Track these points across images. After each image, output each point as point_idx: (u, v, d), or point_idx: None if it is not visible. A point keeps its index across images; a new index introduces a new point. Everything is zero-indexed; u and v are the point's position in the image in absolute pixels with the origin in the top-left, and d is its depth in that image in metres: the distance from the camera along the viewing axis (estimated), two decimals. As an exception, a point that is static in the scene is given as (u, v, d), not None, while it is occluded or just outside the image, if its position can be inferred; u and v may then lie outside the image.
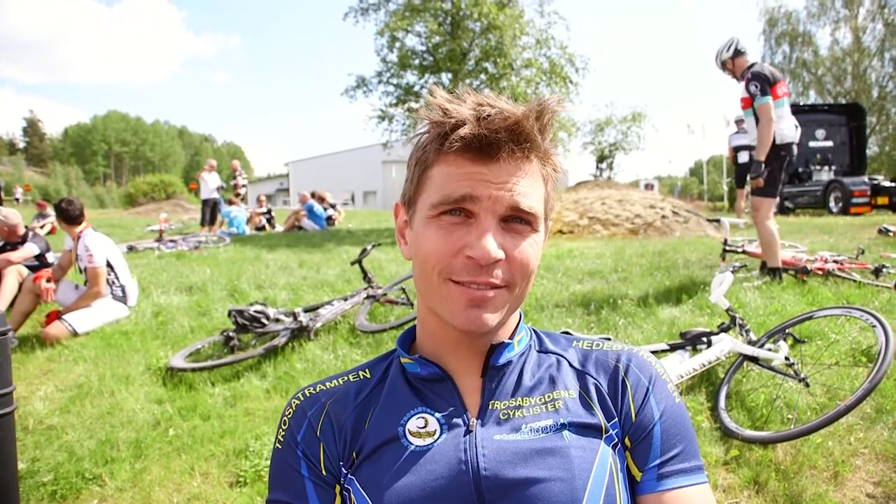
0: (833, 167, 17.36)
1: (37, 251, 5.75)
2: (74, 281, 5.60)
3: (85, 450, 3.25)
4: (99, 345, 4.71)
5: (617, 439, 0.93)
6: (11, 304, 5.34)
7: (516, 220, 0.89)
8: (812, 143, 17.78)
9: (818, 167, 17.33)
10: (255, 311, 4.56)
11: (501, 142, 0.86)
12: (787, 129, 5.20)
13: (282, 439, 0.99)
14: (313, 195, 16.35)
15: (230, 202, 15.67)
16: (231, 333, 4.49)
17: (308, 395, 1.03)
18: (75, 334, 4.92)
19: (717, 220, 6.15)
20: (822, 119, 18.40)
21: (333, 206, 17.45)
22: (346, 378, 1.06)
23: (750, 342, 3.28)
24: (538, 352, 1.04)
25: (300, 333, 4.55)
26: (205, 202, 15.26)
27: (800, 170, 16.82)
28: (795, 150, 5.23)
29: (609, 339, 3.49)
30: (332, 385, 1.04)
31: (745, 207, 9.77)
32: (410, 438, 0.92)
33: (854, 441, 2.63)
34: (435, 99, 0.90)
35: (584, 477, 0.85)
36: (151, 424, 3.52)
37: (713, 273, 5.24)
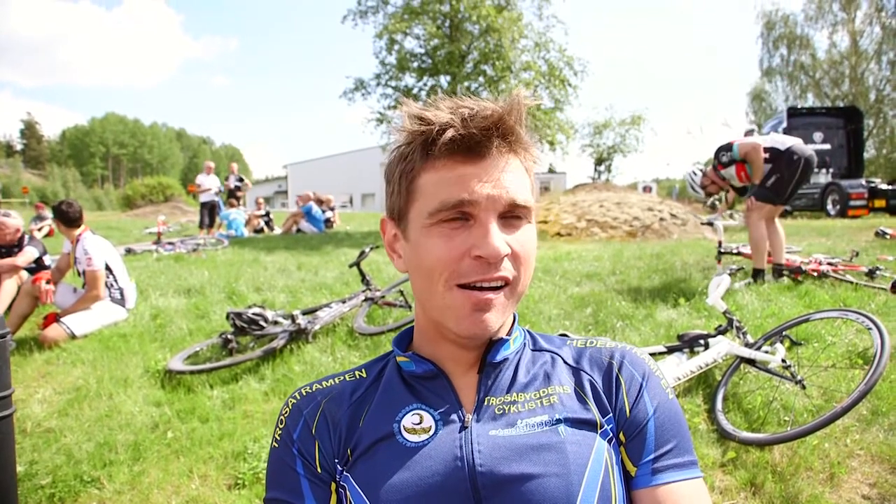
0: (831, 170, 17.42)
1: (37, 254, 5.76)
2: (72, 284, 5.60)
3: (83, 452, 3.24)
4: (97, 347, 4.71)
5: (612, 434, 0.94)
6: (9, 307, 5.34)
7: (513, 215, 0.91)
8: (810, 146, 17.81)
9: (816, 170, 17.37)
10: (254, 314, 4.56)
11: (491, 140, 0.88)
12: (780, 137, 5.41)
13: (278, 438, 1.00)
14: (313, 195, 16.33)
15: (230, 205, 15.66)
16: (229, 336, 4.49)
17: (304, 394, 1.04)
18: (73, 337, 4.92)
19: (711, 223, 6.18)
20: (819, 122, 18.47)
21: (332, 209, 17.46)
22: (342, 377, 1.07)
23: (747, 344, 3.30)
24: (532, 350, 1.05)
25: (298, 336, 4.55)
26: (203, 205, 15.25)
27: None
28: (814, 163, 5.32)
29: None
30: (328, 384, 1.05)
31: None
32: (405, 435, 0.93)
33: (850, 443, 2.64)
34: (409, 109, 0.92)
35: (579, 472, 0.86)
36: (150, 427, 3.52)
37: (710, 276, 5.25)
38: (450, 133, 0.87)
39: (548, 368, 1.01)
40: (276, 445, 1.00)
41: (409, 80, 15.51)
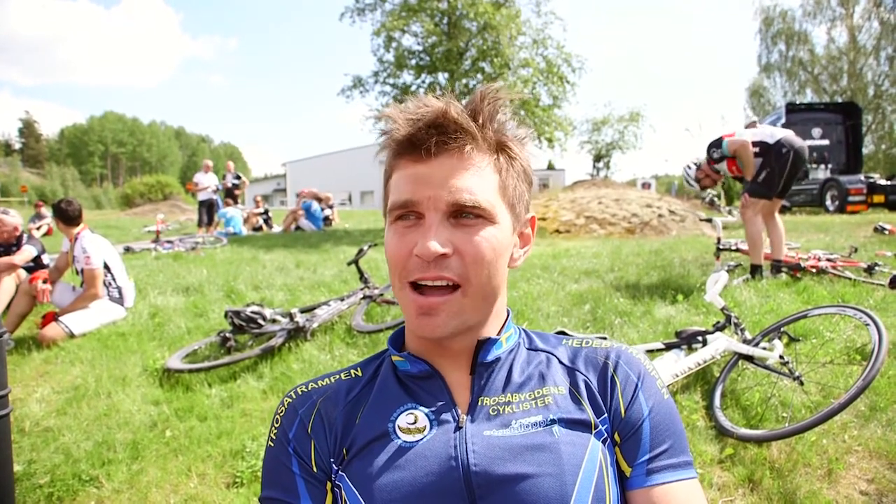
0: (829, 166, 17.43)
1: (35, 253, 5.75)
2: (71, 282, 5.59)
3: (81, 451, 3.24)
4: (95, 346, 4.70)
5: (606, 435, 0.94)
6: (8, 306, 5.33)
7: (465, 214, 0.90)
8: (809, 142, 17.76)
9: (815, 166, 17.38)
10: (252, 312, 4.56)
11: (430, 136, 0.88)
12: (769, 129, 5.39)
13: (274, 437, 1.00)
14: (314, 194, 16.32)
15: (226, 203, 15.65)
16: (228, 334, 4.49)
17: (300, 393, 1.04)
18: (72, 336, 4.91)
19: (710, 220, 6.18)
20: (818, 118, 18.47)
21: (331, 207, 17.46)
22: (337, 377, 1.07)
23: (745, 341, 3.30)
24: (528, 349, 1.05)
25: (297, 334, 4.55)
26: (201, 203, 15.24)
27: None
28: (805, 154, 5.31)
29: (605, 338, 3.48)
30: (324, 383, 1.05)
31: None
32: (400, 434, 0.93)
33: (848, 439, 2.65)
34: (382, 111, 0.94)
35: (573, 472, 0.86)
36: (148, 426, 3.52)
37: (709, 272, 5.25)
38: (397, 134, 0.90)
39: (543, 369, 1.01)
40: (272, 444, 1.00)
41: (407, 77, 15.51)
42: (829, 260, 5.31)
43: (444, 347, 0.98)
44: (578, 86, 16.03)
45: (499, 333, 1.01)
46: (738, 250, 6.12)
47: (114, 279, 5.39)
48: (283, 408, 1.02)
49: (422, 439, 0.92)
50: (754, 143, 5.26)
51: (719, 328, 3.44)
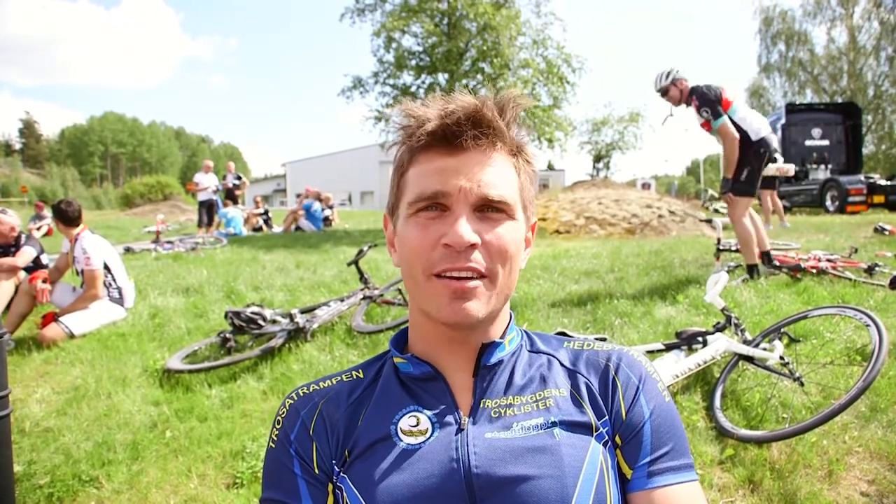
0: (829, 166, 17.44)
1: (34, 254, 5.74)
2: (71, 283, 5.59)
3: (81, 452, 3.24)
4: (96, 347, 4.70)
5: (607, 437, 0.94)
6: (8, 307, 5.33)
7: (489, 209, 0.91)
8: (808, 142, 17.86)
9: (815, 166, 17.40)
10: (252, 313, 4.56)
11: (464, 131, 0.89)
12: (756, 123, 5.27)
13: (275, 438, 1.00)
14: (315, 194, 16.32)
15: (226, 204, 15.65)
16: (228, 335, 4.49)
17: (301, 394, 1.04)
18: (72, 336, 4.91)
19: (710, 220, 6.17)
20: (818, 118, 18.48)
21: (331, 207, 17.47)
22: (339, 378, 1.07)
23: (745, 342, 3.29)
24: (529, 351, 1.05)
25: (297, 335, 4.55)
26: (201, 203, 15.23)
27: (796, 168, 16.88)
28: (774, 141, 5.29)
29: (605, 340, 3.46)
30: (326, 385, 1.05)
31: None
32: (402, 437, 0.93)
33: (848, 440, 2.65)
34: (401, 106, 0.94)
35: (574, 474, 0.86)
36: (148, 426, 3.52)
37: (709, 272, 5.25)
38: (428, 126, 0.90)
39: (544, 371, 1.01)
40: (273, 446, 1.00)
41: (406, 78, 15.53)
42: (829, 260, 5.30)
43: (449, 349, 0.99)
44: (578, 86, 16.06)
45: (502, 336, 1.01)
46: (738, 251, 6.11)
47: (114, 280, 5.39)
48: (284, 409, 1.02)
49: (424, 441, 0.92)
50: (738, 130, 5.21)
51: (719, 329, 3.43)
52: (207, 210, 15.14)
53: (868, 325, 2.83)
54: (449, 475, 0.87)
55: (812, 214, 15.26)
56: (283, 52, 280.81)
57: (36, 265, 5.78)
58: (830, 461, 2.52)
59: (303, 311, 4.88)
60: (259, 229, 16.51)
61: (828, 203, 15.32)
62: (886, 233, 7.91)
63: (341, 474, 0.94)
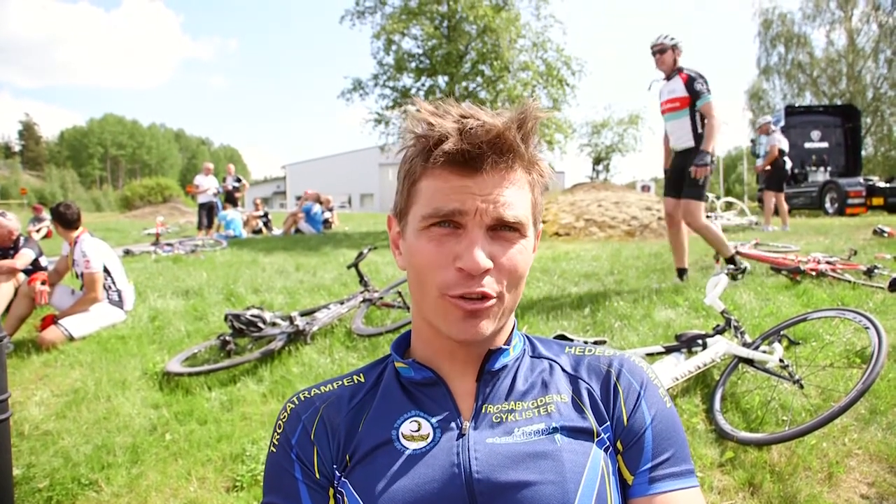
0: (829, 168, 17.45)
1: (33, 256, 5.74)
2: (70, 285, 5.59)
3: (81, 455, 3.24)
4: (95, 349, 4.70)
5: (609, 443, 0.95)
6: (7, 309, 5.33)
7: (503, 228, 0.91)
8: (808, 145, 17.89)
9: (814, 168, 17.41)
10: (252, 315, 4.56)
11: (485, 155, 0.87)
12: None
13: (276, 443, 1.00)
14: (315, 196, 16.32)
15: (226, 206, 15.65)
16: (228, 338, 4.48)
17: (303, 398, 1.04)
18: (71, 339, 4.91)
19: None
20: (817, 120, 18.50)
21: (331, 209, 17.46)
22: (340, 382, 1.06)
23: (745, 344, 3.29)
24: (531, 357, 1.05)
25: (297, 337, 4.55)
26: (201, 206, 15.24)
27: (796, 171, 16.88)
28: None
29: (605, 342, 3.46)
30: (327, 389, 1.05)
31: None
32: (403, 442, 0.93)
33: (848, 442, 2.64)
34: (419, 113, 0.91)
35: (575, 480, 0.86)
36: (148, 429, 3.52)
37: (708, 275, 5.25)
38: (446, 145, 0.88)
39: (546, 376, 1.01)
40: (274, 450, 0.99)
41: (406, 80, 15.52)
42: (828, 263, 5.30)
43: (453, 355, 0.99)
44: (578, 88, 16.11)
45: (506, 342, 1.02)
46: (737, 253, 6.11)
47: (113, 282, 5.39)
48: (285, 413, 1.02)
49: (425, 447, 0.92)
50: (698, 133, 5.17)
51: (719, 331, 3.43)
52: (207, 212, 15.14)
53: (867, 328, 2.83)
54: (450, 480, 0.87)
55: (811, 216, 15.26)
56: (283, 53, 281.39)
57: (35, 267, 5.78)
58: (830, 463, 2.52)
59: (303, 314, 4.88)
60: (259, 231, 16.51)
61: (827, 205, 15.31)
62: (885, 235, 7.91)
63: (342, 479, 0.94)
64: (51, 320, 5.06)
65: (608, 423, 0.96)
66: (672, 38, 5.33)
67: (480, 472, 0.87)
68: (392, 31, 14.71)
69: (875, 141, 33.38)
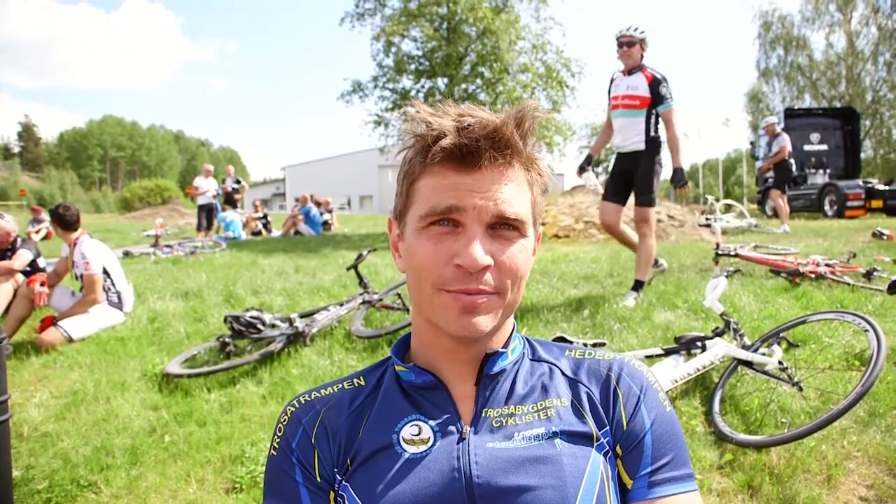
0: (828, 170, 17.49)
1: (30, 257, 5.74)
2: (70, 287, 5.59)
3: (80, 457, 3.24)
4: (94, 351, 4.70)
5: (608, 447, 0.95)
6: (6, 311, 5.33)
7: (503, 226, 0.91)
8: (807, 147, 17.93)
9: (813, 171, 17.43)
10: (252, 317, 4.56)
11: (482, 150, 0.88)
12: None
13: (277, 446, 1.00)
14: (311, 199, 16.35)
15: (225, 208, 15.65)
16: (227, 339, 4.48)
17: (303, 402, 1.04)
18: (70, 340, 4.91)
19: (709, 225, 6.16)
20: (816, 123, 18.54)
21: (330, 211, 17.47)
22: (340, 385, 1.06)
23: (744, 346, 3.30)
24: (531, 360, 1.05)
25: (296, 339, 4.54)
26: (200, 207, 15.24)
27: (795, 173, 16.90)
28: None
29: (604, 344, 3.45)
30: (327, 392, 1.05)
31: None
32: (404, 446, 0.93)
33: (847, 444, 2.65)
34: (417, 113, 0.92)
35: (575, 484, 0.87)
36: (147, 431, 3.52)
37: (708, 277, 5.26)
38: (444, 141, 0.88)
39: (546, 380, 1.01)
40: (275, 454, 1.00)
41: (406, 82, 15.54)
42: (827, 265, 5.31)
43: (451, 359, 0.99)
44: (578, 90, 16.10)
45: (505, 345, 1.02)
46: (737, 255, 6.12)
47: (113, 284, 5.39)
48: (285, 417, 1.02)
49: (426, 450, 0.92)
50: (656, 138, 4.97)
51: (718, 334, 3.44)
52: (207, 214, 15.14)
53: (866, 330, 2.84)
54: (450, 484, 0.87)
55: (810, 219, 15.25)
56: (283, 55, 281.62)
57: (32, 268, 5.78)
58: (829, 466, 2.53)
59: (302, 316, 4.88)
60: (258, 233, 16.51)
61: (826, 208, 15.33)
62: (885, 237, 7.93)
63: (343, 482, 0.94)
64: (50, 322, 5.05)
65: (608, 427, 0.96)
66: (642, 32, 5.03)
67: (481, 476, 0.87)
68: (392, 34, 14.73)
69: (874, 143, 33.42)
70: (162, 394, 3.99)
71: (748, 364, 3.19)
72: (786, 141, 11.51)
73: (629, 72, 5.07)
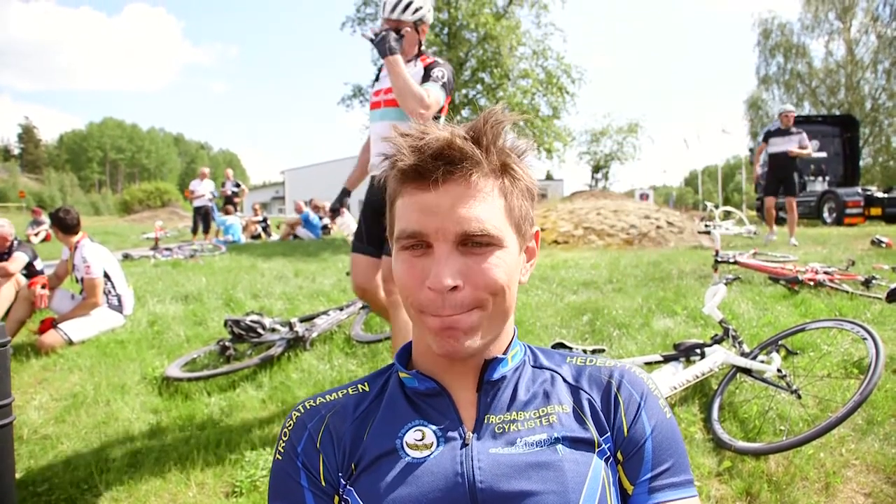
0: (827, 178, 17.50)
1: (27, 259, 5.74)
2: (70, 289, 5.59)
3: (80, 459, 3.24)
4: (94, 354, 4.70)
5: (609, 453, 0.96)
6: (6, 313, 5.33)
7: (474, 243, 0.90)
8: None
9: (812, 178, 17.45)
10: (251, 321, 4.56)
11: (437, 167, 0.88)
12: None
13: (282, 450, 1.01)
14: (308, 203, 16.36)
15: (225, 211, 15.66)
16: (227, 343, 4.49)
17: (308, 407, 1.05)
18: (70, 343, 4.91)
19: (708, 232, 6.17)
20: (816, 130, 18.53)
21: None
22: (345, 391, 1.08)
23: (743, 354, 3.31)
24: (532, 367, 1.06)
25: (296, 343, 4.55)
26: (196, 210, 15.25)
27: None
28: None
29: (603, 350, 3.47)
30: (332, 398, 1.06)
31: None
32: (408, 451, 0.94)
33: (845, 452, 2.65)
34: (393, 137, 0.93)
35: (576, 490, 0.88)
36: (147, 434, 3.52)
37: (707, 284, 5.27)
38: (401, 163, 0.90)
39: (547, 387, 1.02)
40: (280, 458, 1.01)
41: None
42: (826, 273, 5.32)
43: (452, 366, 1.00)
44: (578, 96, 16.12)
45: (505, 352, 1.03)
46: (736, 263, 6.13)
47: (113, 287, 5.39)
48: (291, 422, 1.03)
49: (429, 456, 0.93)
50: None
51: (717, 341, 3.45)
52: (203, 217, 15.14)
53: (865, 338, 2.85)
54: (453, 489, 0.88)
55: (809, 226, 15.27)
56: (283, 59, 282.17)
57: (29, 271, 5.78)
58: (827, 474, 2.53)
59: (302, 320, 4.89)
60: (258, 237, 16.53)
61: (825, 215, 15.34)
62: (883, 245, 7.94)
63: (347, 487, 0.95)
64: (50, 324, 5.05)
65: (609, 433, 0.97)
66: (414, 11, 3.32)
67: (484, 481, 0.88)
68: (393, 38, 14.76)
69: (873, 151, 33.53)
70: (162, 397, 3.99)
71: (747, 371, 3.20)
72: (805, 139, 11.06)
73: (411, 60, 3.56)
